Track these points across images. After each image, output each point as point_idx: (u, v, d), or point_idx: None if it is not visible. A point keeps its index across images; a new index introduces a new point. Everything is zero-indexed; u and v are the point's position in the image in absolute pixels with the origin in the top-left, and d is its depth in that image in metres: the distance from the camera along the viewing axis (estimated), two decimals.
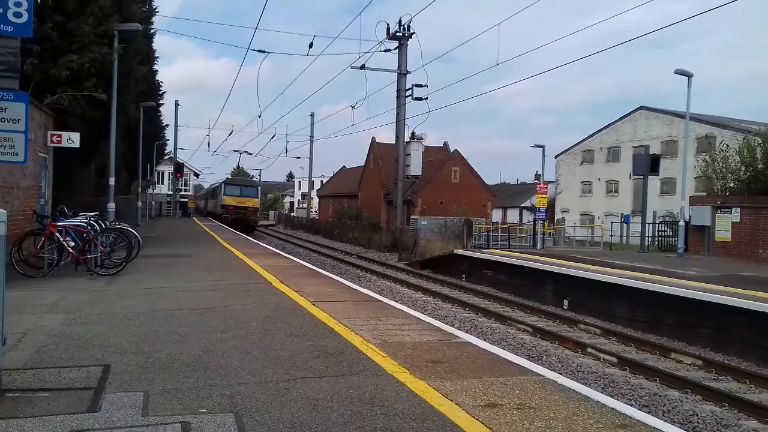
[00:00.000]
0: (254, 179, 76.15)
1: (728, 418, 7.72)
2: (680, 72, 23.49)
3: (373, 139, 59.09)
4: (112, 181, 19.68)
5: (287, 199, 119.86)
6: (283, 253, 20.39)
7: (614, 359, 10.54)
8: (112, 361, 5.73)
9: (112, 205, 19.04)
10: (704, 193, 27.82)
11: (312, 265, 17.18)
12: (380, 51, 33.34)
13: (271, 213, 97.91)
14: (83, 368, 5.52)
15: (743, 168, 24.04)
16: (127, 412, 4.37)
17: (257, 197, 48.92)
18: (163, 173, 73.04)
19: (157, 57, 36.36)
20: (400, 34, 33.51)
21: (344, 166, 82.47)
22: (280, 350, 6.27)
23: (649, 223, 29.65)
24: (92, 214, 14.64)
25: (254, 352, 6.19)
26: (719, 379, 9.72)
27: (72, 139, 16.16)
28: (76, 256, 12.74)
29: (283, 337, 6.93)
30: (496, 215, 61.77)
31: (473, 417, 4.44)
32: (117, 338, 6.73)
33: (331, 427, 4.13)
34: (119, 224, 15.91)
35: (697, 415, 7.74)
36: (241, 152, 71.33)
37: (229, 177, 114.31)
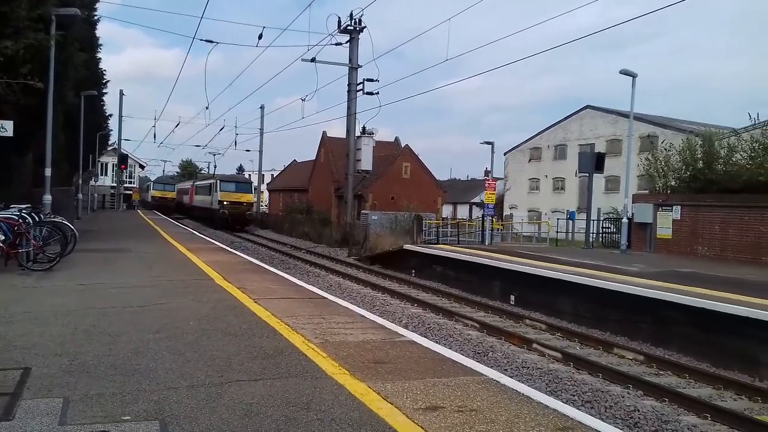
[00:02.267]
0: (245, 176, 73.73)
1: (668, 413, 7.81)
2: (625, 72, 23.92)
3: (324, 133, 58.67)
4: (48, 171, 18.85)
5: None
6: (229, 249, 19.94)
7: (559, 355, 10.60)
8: (33, 364, 5.37)
9: (48, 197, 18.25)
10: (647, 192, 28.51)
11: (259, 260, 16.82)
12: (331, 44, 33.00)
13: None
14: (0, 372, 5.16)
15: (684, 167, 24.67)
16: (42, 421, 4.07)
17: (252, 193, 51.51)
18: (106, 165, 70.82)
19: (101, 44, 35.14)
20: (352, 27, 33.23)
21: (295, 160, 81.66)
22: (216, 351, 6.00)
23: (593, 220, 30.19)
24: (24, 206, 13.96)
25: (188, 353, 5.90)
26: (660, 374, 9.87)
27: (5, 127, 15.40)
28: (6, 250, 12.11)
29: (220, 337, 6.66)
30: (447, 211, 62.17)
31: (413, 421, 4.29)
32: (42, 338, 6.35)
33: None
34: (54, 217, 15.23)
35: (639, 410, 7.80)
36: (215, 154, 71.68)
37: (178, 170, 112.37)
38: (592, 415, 5.91)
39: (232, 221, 44.64)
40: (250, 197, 50.22)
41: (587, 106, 54.98)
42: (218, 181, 49.04)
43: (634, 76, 23.72)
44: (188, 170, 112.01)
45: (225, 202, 46.30)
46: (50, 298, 9.00)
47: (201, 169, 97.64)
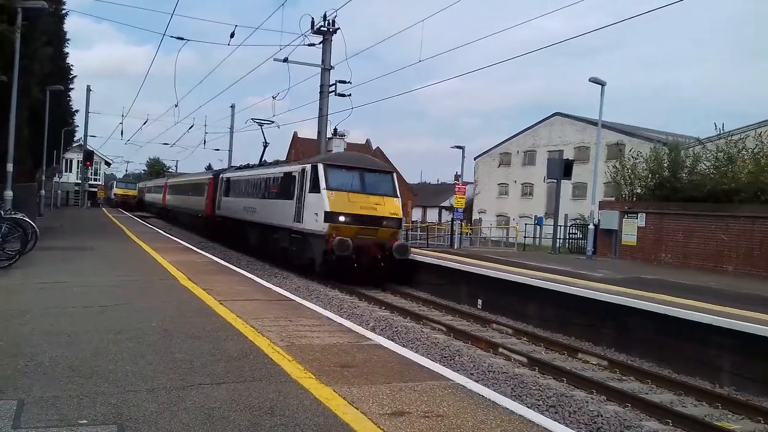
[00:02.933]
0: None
1: (631, 418, 7.89)
2: (594, 80, 24.22)
3: (295, 133, 58.47)
4: (10, 167, 18.37)
5: None
6: (195, 249, 19.66)
7: (524, 359, 10.65)
8: None
9: (9, 193, 17.82)
10: (613, 199, 28.93)
11: (225, 261, 16.62)
12: (304, 45, 32.76)
13: None
14: None
15: (650, 175, 25.09)
16: None
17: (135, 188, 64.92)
18: (71, 161, 69.40)
19: (68, 39, 34.42)
20: (325, 28, 33.06)
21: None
22: (179, 353, 5.89)
23: (561, 226, 30.56)
24: None
25: (149, 355, 5.78)
26: (623, 379, 9.97)
27: None
28: None
29: (184, 338, 6.53)
30: (416, 214, 62.41)
31: (378, 426, 4.25)
32: None
33: None
34: (15, 213, 14.83)
35: (602, 416, 7.86)
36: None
37: (145, 168, 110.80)
38: (556, 420, 5.95)
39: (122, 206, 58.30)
40: (135, 191, 67.07)
41: (556, 113, 55.65)
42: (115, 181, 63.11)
43: (603, 84, 24.03)
44: (155, 168, 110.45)
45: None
46: (8, 296, 8.75)
47: (168, 168, 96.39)
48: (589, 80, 24.23)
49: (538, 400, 8.29)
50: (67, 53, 35.18)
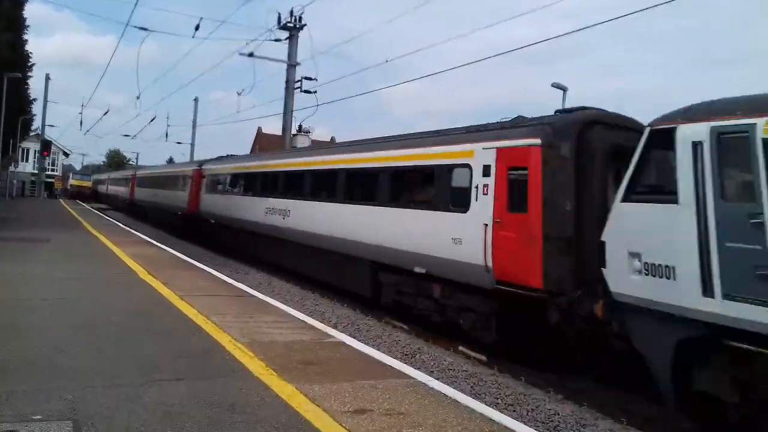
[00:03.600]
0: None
1: (587, 417, 8.04)
2: (556, 85, 24.55)
3: (260, 129, 58.06)
4: None
5: None
6: (155, 242, 19.35)
7: (483, 357, 10.76)
8: None
9: None
10: None
11: (186, 256, 16.39)
12: (270, 40, 32.52)
13: None
14: None
15: None
16: None
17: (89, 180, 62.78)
18: (28, 151, 67.60)
19: (28, 26, 33.56)
20: (292, 25, 32.88)
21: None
22: (139, 349, 5.81)
23: None
24: None
25: (109, 350, 5.69)
26: (580, 377, 10.14)
27: None
28: None
29: (144, 334, 6.45)
30: None
31: (340, 424, 4.26)
32: None
33: None
34: None
35: (558, 414, 7.99)
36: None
37: (104, 160, 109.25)
38: (514, 418, 6.04)
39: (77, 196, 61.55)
40: (89, 183, 71.40)
41: (519, 117, 56.23)
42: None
43: (565, 89, 24.38)
44: (115, 160, 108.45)
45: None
46: None
47: (129, 160, 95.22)
48: (552, 85, 24.56)
49: (497, 398, 8.39)
50: (26, 40, 34.34)
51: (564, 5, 13.98)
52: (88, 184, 71.42)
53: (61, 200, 52.22)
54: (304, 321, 8.09)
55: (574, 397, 8.81)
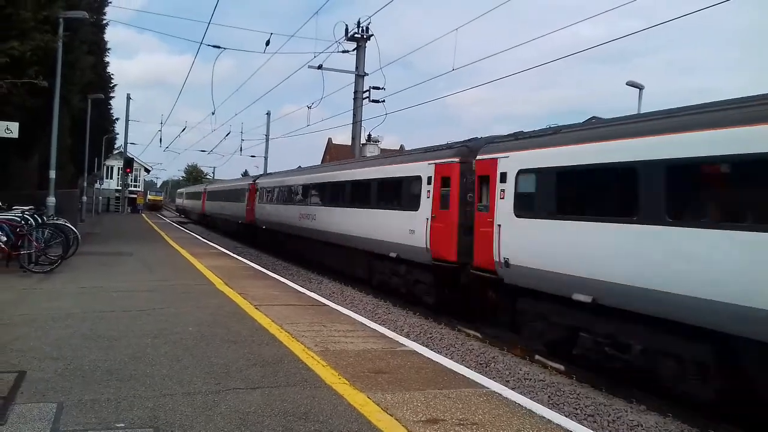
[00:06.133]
0: None
1: (672, 429, 7.68)
2: (632, 84, 23.82)
3: (330, 140, 58.80)
4: (52, 174, 18.83)
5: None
6: (231, 254, 19.86)
7: (561, 367, 10.46)
8: (29, 368, 5.31)
9: (51, 199, 18.21)
10: None
11: (261, 266, 16.74)
12: (338, 52, 32.94)
13: None
14: None
15: None
16: (35, 426, 4.00)
17: (161, 195, 74.15)
18: (112, 168, 70.88)
19: (109, 48, 35.27)
20: (359, 35, 33.23)
21: (300, 166, 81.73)
22: (214, 358, 5.93)
23: None
24: (27, 207, 13.92)
25: (186, 359, 5.83)
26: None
27: (10, 129, 15.40)
28: (7, 251, 12.08)
29: (220, 343, 6.58)
30: None
31: None
32: (38, 342, 6.28)
33: None
34: (57, 219, 15.20)
35: (642, 426, 7.67)
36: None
37: (183, 174, 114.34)
38: (594, 430, 5.81)
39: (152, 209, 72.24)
40: (160, 198, 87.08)
41: (593, 117, 54.82)
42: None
43: (641, 88, 23.61)
44: (193, 174, 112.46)
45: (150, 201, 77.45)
46: (49, 300, 8.94)
47: (206, 174, 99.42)
48: (627, 84, 23.86)
49: (576, 409, 8.13)
50: (108, 62, 36.06)
51: (634, 4, 13.45)
52: (160, 198, 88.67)
53: (143, 214, 54.43)
54: (375, 330, 8.07)
55: (658, 409, 8.45)
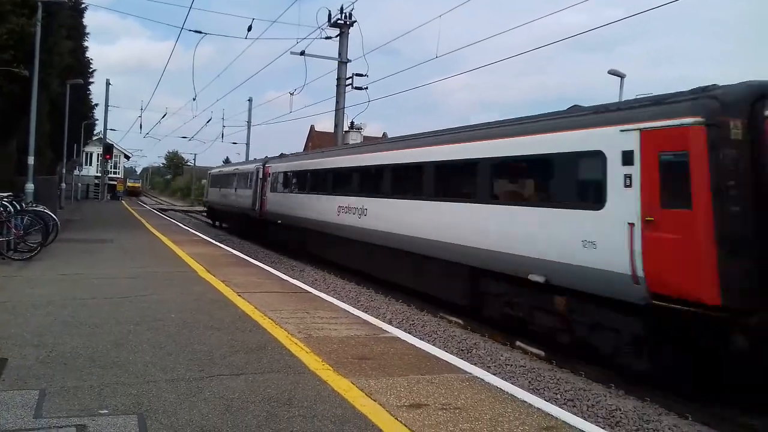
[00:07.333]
0: None
1: (650, 413, 7.81)
2: (613, 72, 23.93)
3: (312, 127, 58.62)
4: (31, 160, 18.55)
5: None
6: (213, 241, 19.77)
7: (541, 352, 10.58)
8: (10, 355, 5.28)
9: (30, 186, 17.97)
10: None
11: (243, 254, 16.70)
12: (321, 38, 32.72)
13: None
14: None
15: None
16: (17, 413, 3.98)
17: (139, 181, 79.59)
18: (91, 154, 70.05)
19: (88, 33, 34.79)
20: (342, 21, 33.03)
21: (282, 153, 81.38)
22: (198, 345, 5.93)
23: None
24: (5, 194, 13.74)
25: (169, 346, 5.82)
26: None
27: None
28: None
29: (203, 330, 6.58)
30: None
31: (396, 418, 4.25)
32: (19, 329, 6.23)
33: (243, 431, 3.86)
34: (36, 206, 15.01)
35: (620, 410, 7.80)
36: None
37: (164, 161, 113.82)
38: (574, 414, 5.91)
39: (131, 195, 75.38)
40: (139, 184, 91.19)
41: (574, 106, 55.07)
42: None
43: (622, 76, 23.73)
44: (174, 161, 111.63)
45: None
46: (30, 287, 8.86)
47: (187, 161, 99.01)
48: (608, 72, 23.97)
49: (556, 394, 8.24)
50: (87, 47, 35.57)
51: None
52: (138, 185, 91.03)
53: (123, 201, 53.93)
54: (359, 317, 8.11)
55: (636, 393, 8.59)
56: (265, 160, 27.97)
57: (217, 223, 36.99)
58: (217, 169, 41.05)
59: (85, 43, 34.82)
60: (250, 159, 42.67)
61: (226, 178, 34.41)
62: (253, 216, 26.74)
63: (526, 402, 4.84)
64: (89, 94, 43.70)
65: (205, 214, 43.05)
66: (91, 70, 38.52)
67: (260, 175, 27.14)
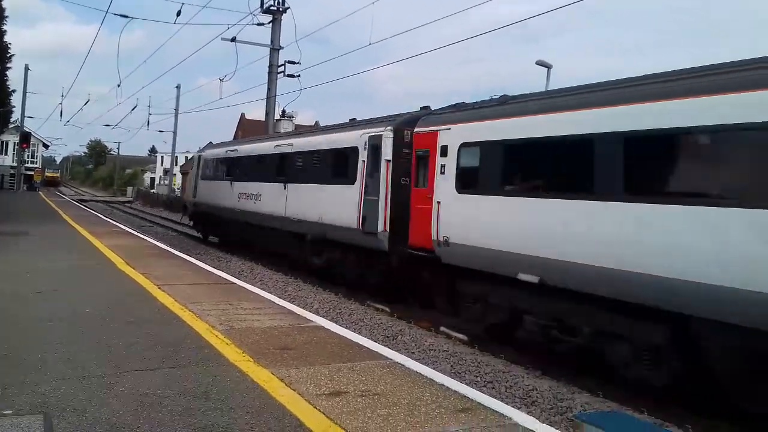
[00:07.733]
0: (158, 157, 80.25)
1: (563, 392, 8.13)
2: (541, 63, 24.42)
3: (243, 115, 57.57)
4: None
5: (148, 175, 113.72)
6: (135, 232, 19.20)
7: (464, 337, 10.83)
8: None
9: None
10: None
11: (166, 245, 16.30)
12: (253, 24, 32.11)
13: (129, 189, 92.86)
14: None
15: None
16: None
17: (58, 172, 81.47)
18: (7, 143, 66.57)
19: (6, 16, 32.93)
20: (274, 8, 32.48)
21: (211, 142, 79.53)
22: (113, 340, 5.77)
23: None
24: None
25: (82, 342, 5.65)
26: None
27: None
28: None
29: (119, 325, 6.41)
30: None
31: (315, 407, 4.27)
32: None
33: (155, 427, 3.80)
34: None
35: (536, 389, 8.09)
36: None
37: (85, 150, 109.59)
38: (492, 396, 6.09)
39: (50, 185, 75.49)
40: (57, 174, 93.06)
41: (503, 96, 56.19)
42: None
43: (549, 67, 24.26)
44: (96, 150, 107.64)
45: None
46: None
47: (110, 150, 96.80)
48: (536, 63, 24.40)
49: (476, 377, 8.46)
50: (5, 31, 33.71)
51: None
52: (57, 175, 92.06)
53: (40, 192, 51.57)
54: (283, 307, 8.08)
55: (551, 373, 8.91)
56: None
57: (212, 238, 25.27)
58: (226, 148, 24.28)
59: (3, 27, 33.03)
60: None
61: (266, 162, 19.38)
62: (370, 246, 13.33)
63: (444, 385, 4.96)
64: (6, 79, 41.49)
65: (189, 221, 27.89)
66: (9, 54, 36.51)
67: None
